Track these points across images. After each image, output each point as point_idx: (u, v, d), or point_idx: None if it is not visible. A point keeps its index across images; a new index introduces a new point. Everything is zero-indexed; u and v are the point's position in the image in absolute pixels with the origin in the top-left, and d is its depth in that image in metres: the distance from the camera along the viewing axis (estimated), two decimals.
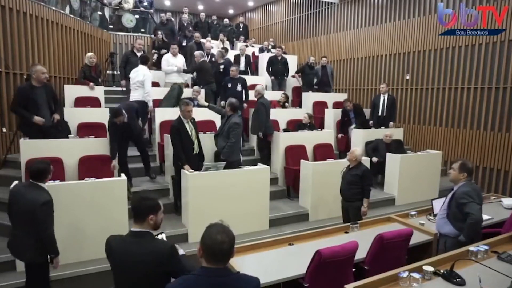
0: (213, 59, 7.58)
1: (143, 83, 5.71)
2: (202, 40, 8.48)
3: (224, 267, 1.65)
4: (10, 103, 4.90)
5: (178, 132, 4.50)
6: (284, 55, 8.80)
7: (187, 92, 6.96)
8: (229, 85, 6.46)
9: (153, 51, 8.71)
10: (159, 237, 2.23)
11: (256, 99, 6.03)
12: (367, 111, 7.75)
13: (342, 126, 7.32)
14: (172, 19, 10.29)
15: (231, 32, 11.58)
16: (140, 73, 5.77)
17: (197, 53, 7.12)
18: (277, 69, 8.59)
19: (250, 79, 7.86)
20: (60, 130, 4.82)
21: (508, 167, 6.56)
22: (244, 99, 6.62)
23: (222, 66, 7.32)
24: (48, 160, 3.06)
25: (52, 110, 4.61)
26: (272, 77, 8.64)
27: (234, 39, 11.44)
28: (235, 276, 1.69)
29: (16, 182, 3.41)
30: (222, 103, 6.43)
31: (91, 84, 6.43)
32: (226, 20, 12.22)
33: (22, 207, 2.78)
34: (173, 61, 7.02)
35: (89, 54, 6.72)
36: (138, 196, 2.13)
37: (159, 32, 8.71)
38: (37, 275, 2.92)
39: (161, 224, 2.09)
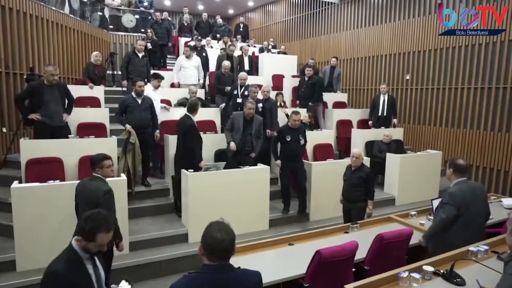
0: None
1: None
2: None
3: (226, 264, 1.66)
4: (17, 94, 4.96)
5: (196, 131, 4.56)
6: (314, 76, 7.30)
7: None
8: (288, 138, 4.87)
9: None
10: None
11: (264, 98, 6.00)
12: (365, 111, 7.76)
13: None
14: (169, 18, 10.23)
15: (226, 31, 11.47)
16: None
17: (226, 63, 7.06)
18: (301, 92, 7.20)
19: (253, 79, 7.82)
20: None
21: (508, 167, 6.56)
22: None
23: (260, 105, 5.74)
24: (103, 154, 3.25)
25: (65, 109, 4.69)
26: (298, 102, 7.45)
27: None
28: (237, 271, 1.70)
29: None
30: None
31: (90, 84, 6.42)
32: (220, 20, 11.77)
33: (87, 198, 3.02)
34: (187, 64, 7.10)
35: (95, 52, 6.75)
36: None
37: (149, 30, 8.69)
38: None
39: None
